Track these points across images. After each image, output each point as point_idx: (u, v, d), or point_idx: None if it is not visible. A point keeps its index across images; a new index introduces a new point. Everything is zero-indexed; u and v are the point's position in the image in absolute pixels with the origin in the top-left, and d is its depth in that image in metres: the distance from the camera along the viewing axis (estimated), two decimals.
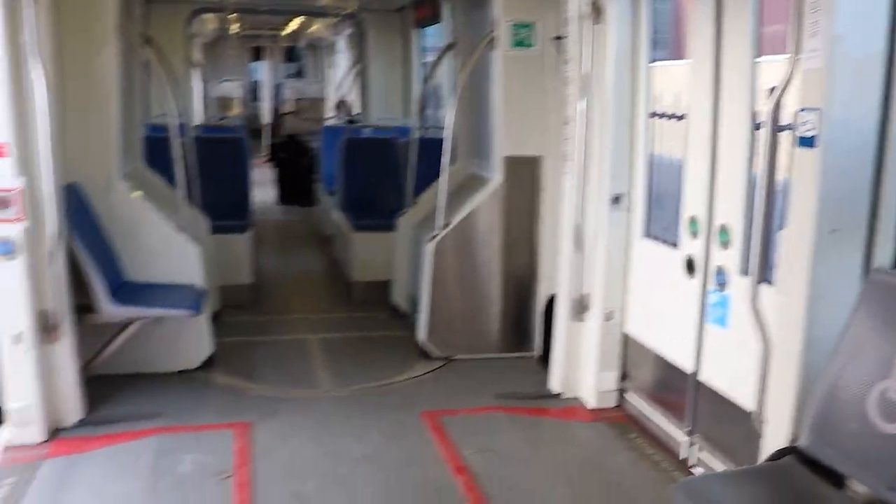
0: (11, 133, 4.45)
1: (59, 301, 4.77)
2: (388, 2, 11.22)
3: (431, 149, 7.46)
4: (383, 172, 8.48)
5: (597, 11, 4.94)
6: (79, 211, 5.25)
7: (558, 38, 5.50)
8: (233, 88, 21.92)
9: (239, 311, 7.23)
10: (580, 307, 5.37)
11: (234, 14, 17.52)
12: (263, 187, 14.15)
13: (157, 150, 6.97)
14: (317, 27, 17.51)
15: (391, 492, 4.29)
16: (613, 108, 5.02)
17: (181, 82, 11.23)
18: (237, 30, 19.75)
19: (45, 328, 4.76)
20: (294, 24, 19.54)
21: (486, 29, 6.20)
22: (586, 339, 5.41)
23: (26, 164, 4.55)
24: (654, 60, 4.98)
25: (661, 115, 4.98)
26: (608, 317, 5.28)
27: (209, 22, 15.74)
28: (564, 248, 5.41)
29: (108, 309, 5.09)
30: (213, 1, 10.45)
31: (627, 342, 5.30)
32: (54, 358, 4.84)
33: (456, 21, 6.98)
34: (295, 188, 13.22)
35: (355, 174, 8.47)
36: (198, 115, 13.70)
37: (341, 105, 12.79)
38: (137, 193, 5.72)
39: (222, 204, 7.74)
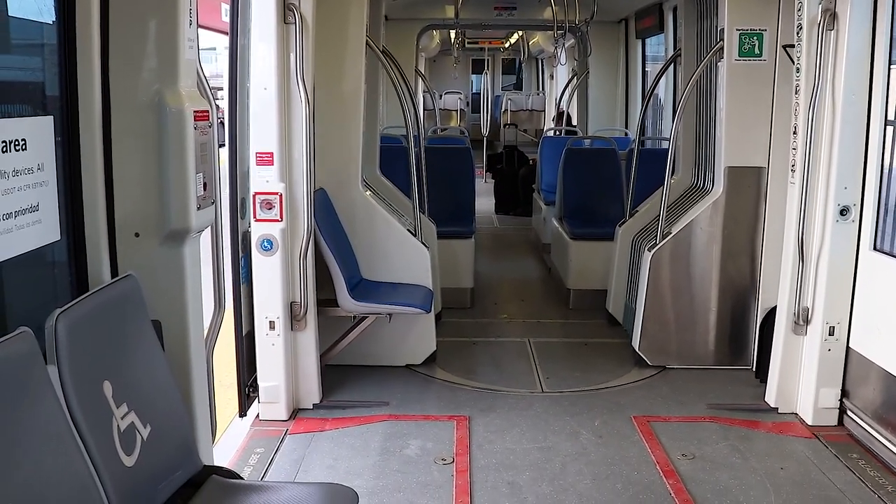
0: (277, 144, 5.05)
1: (307, 294, 5.32)
2: (611, 13, 11.31)
3: (651, 159, 7.54)
4: (603, 182, 8.63)
5: (831, 17, 4.84)
6: (325, 214, 5.81)
7: (789, 46, 5.41)
8: (454, 100, 22.78)
9: (459, 313, 7.63)
10: (801, 320, 5.25)
11: (459, 29, 18.32)
12: (481, 197, 14.64)
13: (389, 159, 7.54)
14: (537, 39, 17.88)
15: (601, 488, 4.44)
16: (845, 115, 4.90)
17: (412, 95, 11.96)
18: (459, 44, 20.57)
19: (294, 317, 5.34)
20: (514, 38, 20.08)
21: (713, 39, 6.20)
22: (806, 354, 5.29)
23: (287, 171, 5.14)
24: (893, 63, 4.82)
25: None
26: (831, 331, 5.14)
27: (433, 37, 16.49)
28: (787, 260, 5.32)
29: (348, 304, 5.59)
30: (440, 18, 11.00)
31: (850, 358, 5.13)
32: (299, 345, 5.41)
33: (681, 31, 7.01)
34: (512, 198, 13.58)
35: (575, 184, 8.65)
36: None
37: (560, 116, 13.01)
38: (375, 201, 6.22)
39: (448, 211, 8.18)
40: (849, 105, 4.90)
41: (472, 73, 26.01)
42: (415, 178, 6.36)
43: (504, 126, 17.98)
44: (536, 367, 6.31)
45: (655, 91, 10.33)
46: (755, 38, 5.77)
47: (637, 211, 7.23)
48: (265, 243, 5.14)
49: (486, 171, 15.84)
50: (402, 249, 6.15)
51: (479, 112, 20.33)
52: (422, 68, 20.63)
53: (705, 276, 6.19)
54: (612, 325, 7.29)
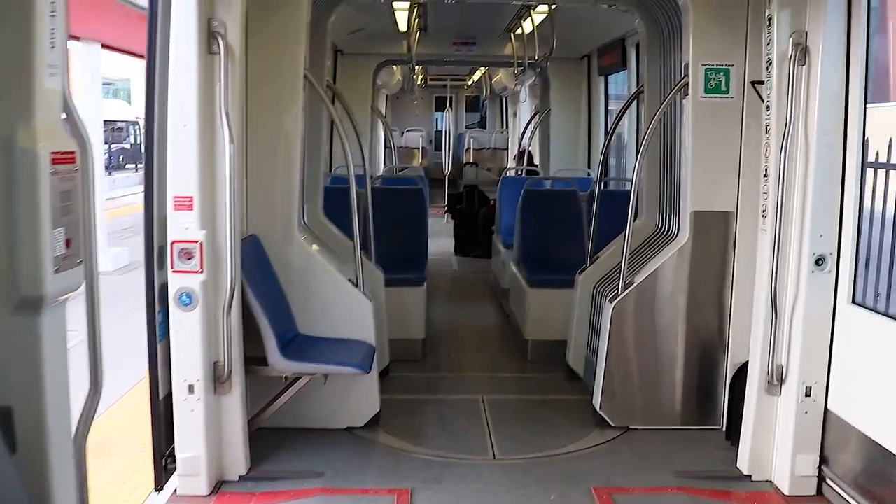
0: (197, 187, 4.53)
1: (232, 353, 4.78)
2: (573, 49, 11.01)
3: (614, 202, 7.14)
4: (563, 226, 8.17)
5: (803, 52, 4.47)
6: (256, 263, 5.30)
7: (757, 82, 5.05)
8: (416, 138, 22.41)
9: (409, 366, 7.11)
10: (775, 379, 4.81)
11: (419, 66, 18.02)
12: (442, 237, 14.20)
13: (336, 202, 7.03)
14: (500, 76, 17.62)
15: None
16: (819, 157, 4.51)
17: (366, 133, 11.53)
18: (421, 81, 20.23)
19: (217, 379, 4.78)
20: (478, 75, 19.82)
21: (677, 75, 5.82)
22: (781, 416, 4.84)
23: (209, 217, 4.63)
24: (869, 102, 4.44)
25: (879, 165, 4.41)
26: (807, 392, 4.69)
27: (394, 72, 16.17)
28: (758, 313, 4.88)
29: (278, 363, 5.05)
30: (398, 53, 10.60)
31: (829, 421, 4.68)
32: (224, 410, 4.86)
33: (643, 67, 6.63)
34: (472, 239, 13.12)
35: (533, 227, 8.19)
36: (380, 166, 13.98)
37: (522, 155, 12.63)
38: (314, 248, 5.71)
39: (399, 256, 7.71)
40: (823, 145, 4.51)
41: (436, 111, 25.71)
42: (356, 224, 5.83)
43: (464, 165, 17.62)
44: (489, 430, 5.79)
45: (619, 130, 9.99)
46: (721, 73, 5.39)
47: (598, 257, 6.78)
48: (184, 297, 4.60)
49: (446, 212, 15.37)
50: (342, 301, 5.63)
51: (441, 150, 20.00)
52: (382, 105, 20.34)
53: (670, 330, 5.73)
54: (571, 379, 6.80)
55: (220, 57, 4.52)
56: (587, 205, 8.04)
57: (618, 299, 5.70)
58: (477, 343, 8.22)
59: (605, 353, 5.75)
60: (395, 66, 14.20)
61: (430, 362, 7.39)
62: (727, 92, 5.41)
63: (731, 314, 5.56)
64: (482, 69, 18.50)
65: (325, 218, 6.76)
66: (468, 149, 21.71)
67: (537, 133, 12.66)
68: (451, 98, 22.42)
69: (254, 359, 5.09)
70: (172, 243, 4.57)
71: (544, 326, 7.44)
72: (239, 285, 4.78)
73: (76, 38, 12.08)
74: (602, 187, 7.19)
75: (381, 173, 12.50)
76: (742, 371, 5.20)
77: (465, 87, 22.10)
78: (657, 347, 5.76)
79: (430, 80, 20.76)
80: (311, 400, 5.49)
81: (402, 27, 9.92)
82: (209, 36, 4.52)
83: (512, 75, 14.54)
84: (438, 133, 24.61)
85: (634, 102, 7.22)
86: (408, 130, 22.55)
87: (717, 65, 5.39)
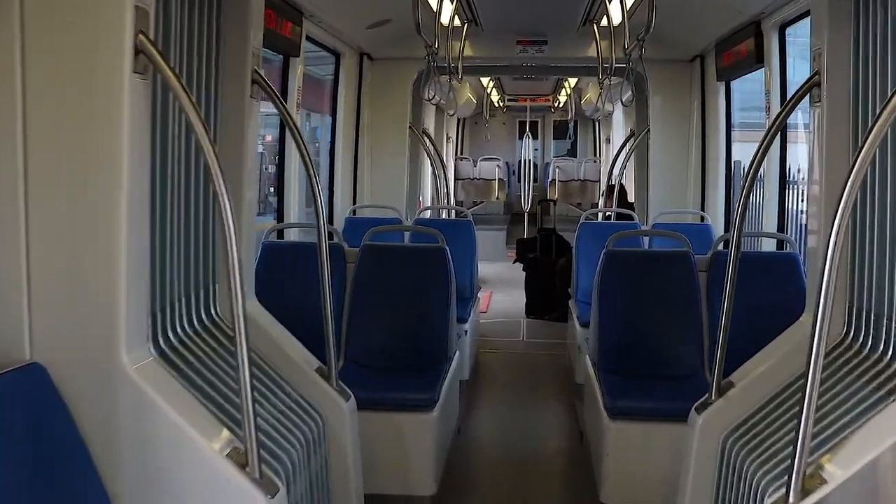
0: None
1: None
2: (679, 48, 8.07)
3: (756, 271, 4.21)
4: (667, 311, 5.06)
5: None
6: (33, 425, 2.57)
7: None
8: (492, 169, 19.58)
9: None
10: None
11: (492, 83, 15.30)
12: (515, 290, 11.30)
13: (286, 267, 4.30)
14: (589, 95, 14.69)
15: None
16: None
17: (399, 160, 9.01)
18: (498, 101, 17.47)
19: None
20: (564, 95, 16.93)
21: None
22: None
23: None
24: None
25: None
26: None
27: (465, 91, 13.57)
28: None
29: None
30: (443, 58, 7.84)
31: None
32: None
33: (823, 35, 3.53)
34: (546, 298, 10.14)
35: (619, 310, 5.14)
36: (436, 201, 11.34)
37: (611, 191, 9.59)
38: (167, 386, 2.91)
39: (400, 357, 4.93)
40: None
41: (519, 138, 22.93)
42: (241, 322, 2.90)
43: (539, 203, 14.56)
44: None
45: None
46: None
47: (733, 384, 3.73)
48: None
49: (515, 261, 12.47)
50: (212, 496, 2.82)
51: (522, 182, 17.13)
52: (452, 130, 17.69)
53: None
54: None
55: None
56: (708, 275, 5.05)
57: None
58: (526, 493, 5.21)
59: None
60: (456, 83, 11.48)
61: None
62: None
63: None
64: (568, 86, 15.57)
65: (259, 304, 3.98)
66: (552, 180, 18.72)
67: (632, 163, 9.64)
68: (534, 122, 19.54)
69: None
70: None
71: (633, 485, 4.43)
72: None
73: None
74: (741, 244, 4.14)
75: (425, 213, 9.73)
76: None
77: (552, 109, 19.21)
78: None
79: (508, 99, 17.93)
80: None
81: (444, 20, 7.25)
82: None
83: (601, 91, 11.59)
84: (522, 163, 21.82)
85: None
86: (482, 160, 19.69)
87: None
